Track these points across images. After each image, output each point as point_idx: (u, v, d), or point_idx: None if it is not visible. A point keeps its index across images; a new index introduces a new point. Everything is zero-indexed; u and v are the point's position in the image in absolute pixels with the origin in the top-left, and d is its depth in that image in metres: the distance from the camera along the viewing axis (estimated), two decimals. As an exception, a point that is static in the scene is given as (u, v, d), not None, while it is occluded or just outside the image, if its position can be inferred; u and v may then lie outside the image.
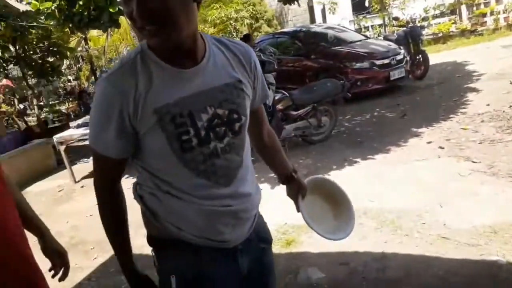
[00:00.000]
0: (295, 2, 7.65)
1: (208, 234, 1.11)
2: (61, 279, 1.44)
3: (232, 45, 1.14)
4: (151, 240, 1.19)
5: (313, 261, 2.71)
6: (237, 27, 14.79)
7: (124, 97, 0.97)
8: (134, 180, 1.17)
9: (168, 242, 1.13)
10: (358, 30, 13.31)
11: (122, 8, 4.10)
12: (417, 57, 8.00)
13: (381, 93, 7.29)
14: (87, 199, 4.77)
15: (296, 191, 1.42)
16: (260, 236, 1.26)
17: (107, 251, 3.28)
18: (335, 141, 5.29)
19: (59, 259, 1.44)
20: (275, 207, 2.83)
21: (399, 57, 7.44)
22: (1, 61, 8.89)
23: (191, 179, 1.06)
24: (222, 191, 1.10)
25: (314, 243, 2.88)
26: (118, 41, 14.87)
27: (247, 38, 6.46)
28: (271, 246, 1.34)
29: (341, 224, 1.47)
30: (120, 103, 0.97)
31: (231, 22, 14.66)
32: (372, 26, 14.91)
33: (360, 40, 8.40)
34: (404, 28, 8.51)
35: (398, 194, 3.43)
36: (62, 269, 1.45)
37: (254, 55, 1.18)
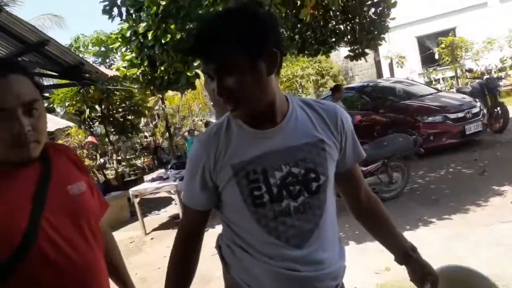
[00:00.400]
0: (362, 58, 7.73)
1: None
2: None
3: (317, 106, 1.17)
4: None
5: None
6: (302, 84, 15.16)
7: (207, 154, 1.09)
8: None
9: None
10: (428, 83, 12.96)
11: (198, 72, 4.41)
12: (495, 110, 7.55)
13: (456, 148, 6.88)
14: (156, 252, 4.91)
15: (420, 277, 1.24)
16: None
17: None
18: (407, 199, 5.01)
19: None
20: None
21: (474, 110, 7.06)
22: (89, 120, 9.85)
23: (262, 236, 1.07)
24: (293, 253, 1.07)
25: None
26: (191, 100, 15.92)
27: (337, 89, 6.48)
28: None
29: None
30: (204, 159, 1.09)
31: (297, 79, 15.09)
32: (443, 78, 14.46)
33: (431, 94, 8.15)
34: (479, 80, 8.15)
35: (480, 259, 3.09)
36: None
37: (342, 115, 1.17)
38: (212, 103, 11.62)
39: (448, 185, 5.29)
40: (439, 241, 3.58)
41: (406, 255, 1.26)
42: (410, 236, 3.83)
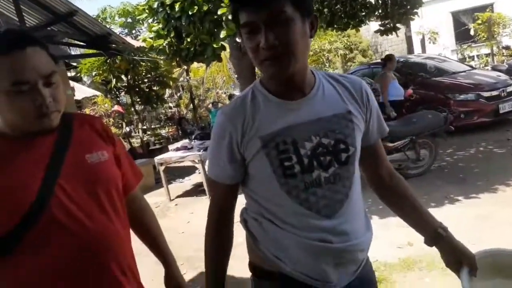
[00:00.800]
0: (393, 33, 7.48)
1: (309, 271, 1.08)
2: None
3: (343, 79, 1.16)
4: (251, 267, 1.19)
5: (407, 303, 2.51)
6: (330, 58, 14.85)
7: (233, 126, 1.07)
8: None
9: (268, 272, 1.12)
10: (462, 60, 12.48)
11: (224, 44, 4.38)
12: (532, 89, 7.20)
13: (488, 127, 6.64)
14: (180, 217, 5.07)
15: (455, 261, 1.15)
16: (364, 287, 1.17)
17: (195, 268, 3.40)
18: (434, 176, 4.91)
19: None
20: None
21: (510, 88, 6.76)
22: (115, 89, 10.00)
23: (292, 207, 1.06)
24: (324, 223, 1.06)
25: (407, 283, 2.68)
26: (215, 72, 15.88)
27: (389, 59, 6.30)
28: None
29: None
30: (230, 131, 1.07)
31: (324, 53, 14.78)
32: (478, 55, 13.88)
33: (464, 71, 7.84)
34: (517, 58, 7.79)
35: (508, 239, 3.02)
36: None
37: (367, 88, 1.17)
38: (236, 76, 11.57)
39: (478, 164, 5.15)
40: (465, 220, 3.51)
41: (436, 235, 1.18)
42: (435, 213, 3.78)
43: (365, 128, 1.15)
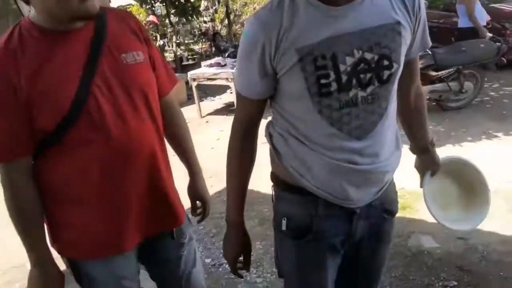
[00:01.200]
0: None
1: (330, 189, 1.05)
2: (198, 221, 1.51)
3: None
4: (273, 177, 1.18)
5: (427, 229, 2.58)
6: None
7: (267, 34, 0.95)
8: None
9: (289, 186, 1.11)
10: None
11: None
12: None
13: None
14: (210, 133, 5.17)
15: (426, 165, 1.32)
16: (384, 207, 1.16)
17: (223, 182, 3.49)
18: (474, 111, 4.70)
19: (201, 206, 1.47)
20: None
21: None
22: (150, -1, 9.71)
23: (322, 127, 1.00)
24: (353, 144, 1.01)
25: (430, 212, 2.69)
26: (254, -15, 15.00)
27: None
28: (393, 218, 1.22)
29: (469, 215, 1.36)
30: (263, 42, 0.95)
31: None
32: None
33: (530, -2, 7.08)
34: None
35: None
36: (200, 216, 1.50)
37: None
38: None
39: (524, 102, 4.86)
40: (500, 156, 3.42)
41: (424, 149, 1.30)
42: (471, 148, 3.71)
43: (410, 40, 1.04)
